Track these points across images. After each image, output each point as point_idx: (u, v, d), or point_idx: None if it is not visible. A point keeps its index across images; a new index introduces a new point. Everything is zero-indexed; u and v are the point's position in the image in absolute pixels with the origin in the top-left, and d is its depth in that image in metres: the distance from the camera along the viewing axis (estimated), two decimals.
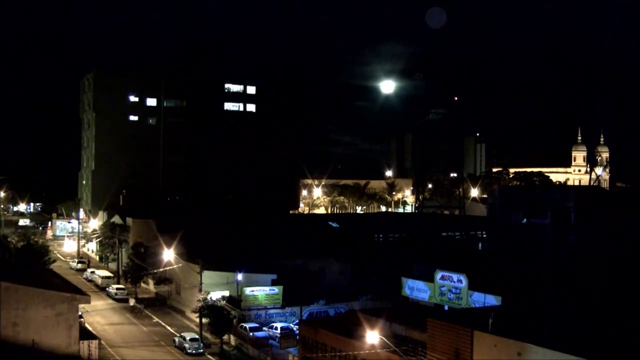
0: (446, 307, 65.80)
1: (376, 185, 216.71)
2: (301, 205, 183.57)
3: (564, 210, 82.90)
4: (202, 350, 61.80)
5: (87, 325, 64.48)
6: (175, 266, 76.50)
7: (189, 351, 61.21)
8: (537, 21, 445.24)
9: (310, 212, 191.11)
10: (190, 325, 70.91)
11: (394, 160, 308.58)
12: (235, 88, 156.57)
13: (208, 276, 70.38)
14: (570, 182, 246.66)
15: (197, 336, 63.91)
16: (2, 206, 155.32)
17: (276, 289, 72.55)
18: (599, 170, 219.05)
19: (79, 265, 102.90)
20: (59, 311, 47.95)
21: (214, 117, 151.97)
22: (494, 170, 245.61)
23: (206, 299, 66.25)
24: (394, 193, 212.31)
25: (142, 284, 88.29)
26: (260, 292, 71.76)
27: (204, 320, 65.55)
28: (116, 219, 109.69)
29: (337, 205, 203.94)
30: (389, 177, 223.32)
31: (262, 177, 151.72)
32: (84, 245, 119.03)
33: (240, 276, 71.40)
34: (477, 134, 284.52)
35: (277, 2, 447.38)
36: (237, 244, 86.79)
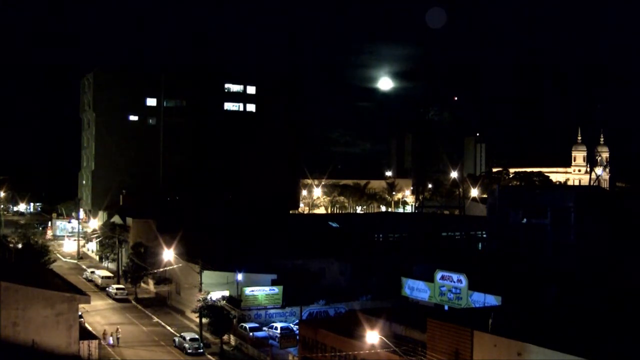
0: (446, 307, 65.82)
1: (376, 185, 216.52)
2: (301, 205, 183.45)
3: (563, 210, 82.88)
4: (202, 350, 61.82)
5: (87, 325, 64.49)
6: (175, 266, 76.47)
7: (188, 351, 61.23)
8: (538, 21, 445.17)
9: (310, 212, 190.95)
10: (190, 325, 70.91)
11: (394, 160, 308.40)
12: (235, 88, 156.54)
13: (208, 276, 70.31)
14: (570, 182, 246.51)
15: (197, 336, 63.92)
16: (2, 206, 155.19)
17: (276, 289, 72.54)
18: (599, 170, 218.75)
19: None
20: (59, 311, 47.95)
21: (214, 117, 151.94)
22: (494, 170, 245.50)
23: (206, 299, 66.19)
24: (394, 193, 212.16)
25: (142, 284, 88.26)
26: (260, 292, 71.76)
27: (204, 320, 65.52)
28: (116, 219, 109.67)
29: (337, 205, 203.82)
30: (389, 177, 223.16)
31: (262, 177, 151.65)
32: (84, 245, 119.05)
33: (240, 276, 71.36)
34: (477, 134, 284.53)
35: (278, 2, 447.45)
36: (237, 243, 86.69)
